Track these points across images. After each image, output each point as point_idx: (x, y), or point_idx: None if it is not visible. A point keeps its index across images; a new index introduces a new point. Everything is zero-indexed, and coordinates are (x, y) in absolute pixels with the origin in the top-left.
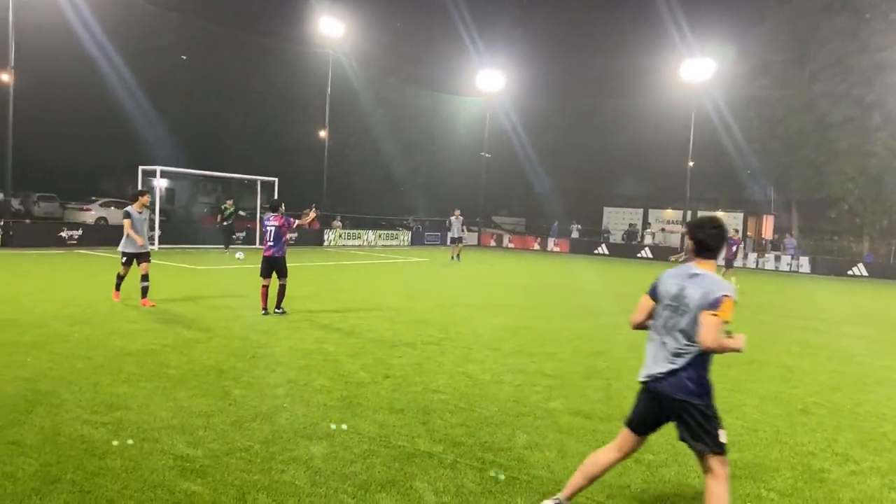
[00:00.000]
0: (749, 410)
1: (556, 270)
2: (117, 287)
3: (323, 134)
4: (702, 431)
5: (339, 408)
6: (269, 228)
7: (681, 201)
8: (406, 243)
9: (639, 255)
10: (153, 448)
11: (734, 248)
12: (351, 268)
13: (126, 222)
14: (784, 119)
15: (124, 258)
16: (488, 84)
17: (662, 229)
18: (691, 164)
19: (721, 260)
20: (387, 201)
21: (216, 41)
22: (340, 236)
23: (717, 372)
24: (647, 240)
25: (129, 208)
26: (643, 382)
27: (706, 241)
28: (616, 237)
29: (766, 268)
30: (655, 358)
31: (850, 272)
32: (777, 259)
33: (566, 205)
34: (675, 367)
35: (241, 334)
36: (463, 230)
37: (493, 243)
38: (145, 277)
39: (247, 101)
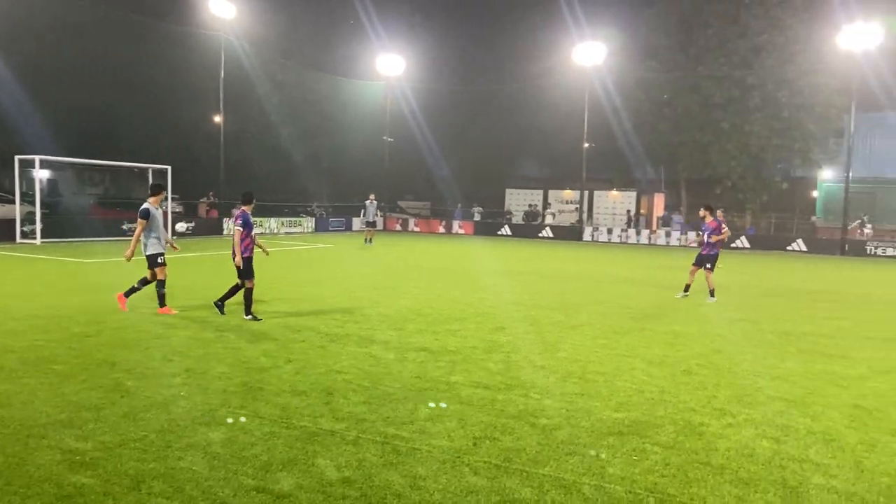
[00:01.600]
0: (637, 373)
1: (460, 252)
2: (163, 301)
3: (218, 119)
4: None
5: (240, 393)
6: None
7: (578, 181)
8: (310, 230)
9: (540, 234)
10: (39, 444)
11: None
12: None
13: (141, 222)
14: (671, 100)
15: (161, 258)
16: (389, 68)
17: (561, 211)
18: (587, 145)
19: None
20: (289, 188)
21: (100, 22)
22: None
23: (610, 338)
24: (548, 220)
25: (145, 204)
26: None
27: None
28: (518, 218)
29: (657, 243)
30: None
31: (733, 245)
32: (668, 235)
33: (469, 187)
34: None
35: (135, 326)
36: (377, 214)
37: (398, 227)
38: (161, 283)
39: (136, 86)
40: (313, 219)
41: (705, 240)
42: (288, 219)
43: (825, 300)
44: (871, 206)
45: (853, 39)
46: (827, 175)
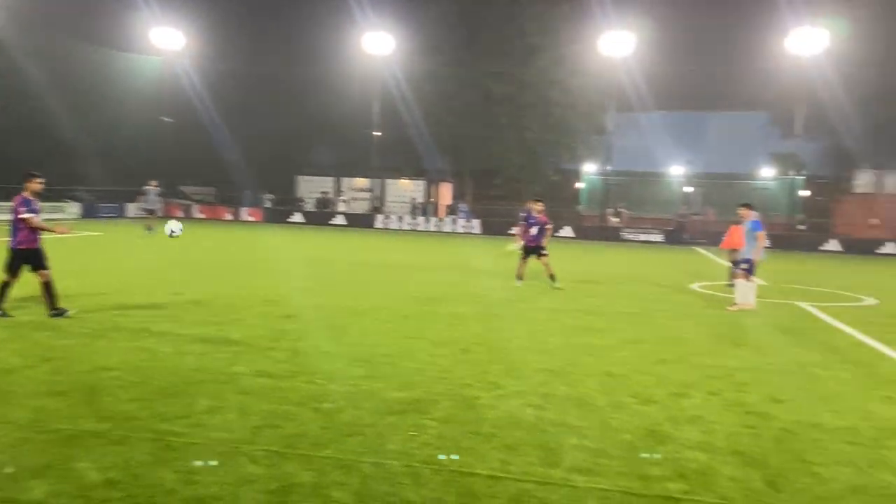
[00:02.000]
0: (421, 354)
1: (248, 240)
2: None
3: None
4: None
5: None
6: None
7: (370, 170)
8: (75, 216)
9: (332, 222)
10: None
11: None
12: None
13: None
14: (456, 94)
15: None
16: (166, 43)
17: (354, 198)
18: (377, 134)
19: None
20: (51, 169)
21: None
22: None
23: (397, 322)
24: (341, 207)
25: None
26: None
27: None
28: (310, 205)
29: (444, 230)
30: None
31: (510, 231)
32: (454, 222)
33: (258, 173)
34: None
35: None
36: (159, 201)
37: (181, 214)
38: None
39: None
40: (80, 204)
41: (533, 232)
42: (49, 203)
43: (588, 280)
44: (627, 196)
45: (612, 46)
46: (590, 168)
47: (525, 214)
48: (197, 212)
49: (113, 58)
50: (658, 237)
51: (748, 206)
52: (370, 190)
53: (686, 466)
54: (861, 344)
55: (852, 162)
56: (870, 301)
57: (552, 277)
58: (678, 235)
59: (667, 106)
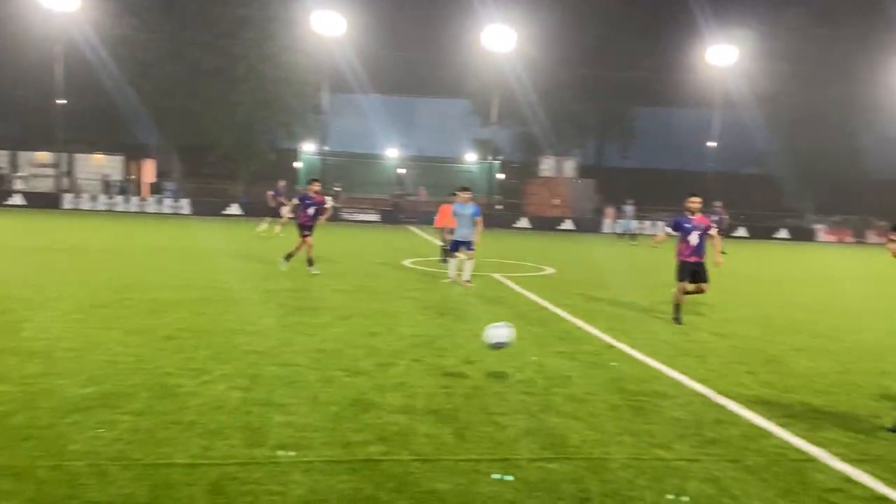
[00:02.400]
0: (113, 345)
1: None
2: None
3: None
4: None
5: None
6: None
7: (54, 143)
8: None
9: (8, 202)
10: None
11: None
12: None
13: None
14: (157, 62)
15: None
16: None
17: (34, 175)
18: (62, 102)
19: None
20: None
21: None
22: None
23: (86, 312)
24: (18, 185)
25: None
26: None
27: None
28: None
29: (148, 211)
30: None
31: (224, 211)
32: (160, 202)
33: None
34: None
35: None
36: None
37: None
38: None
39: None
40: None
41: (310, 212)
42: None
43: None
44: (345, 176)
45: (324, 25)
46: (308, 147)
47: (302, 195)
48: None
49: None
50: (375, 217)
51: (467, 189)
52: (55, 165)
53: (387, 430)
54: (541, 307)
55: (539, 149)
56: (550, 270)
57: (310, 262)
58: (394, 215)
59: (380, 89)
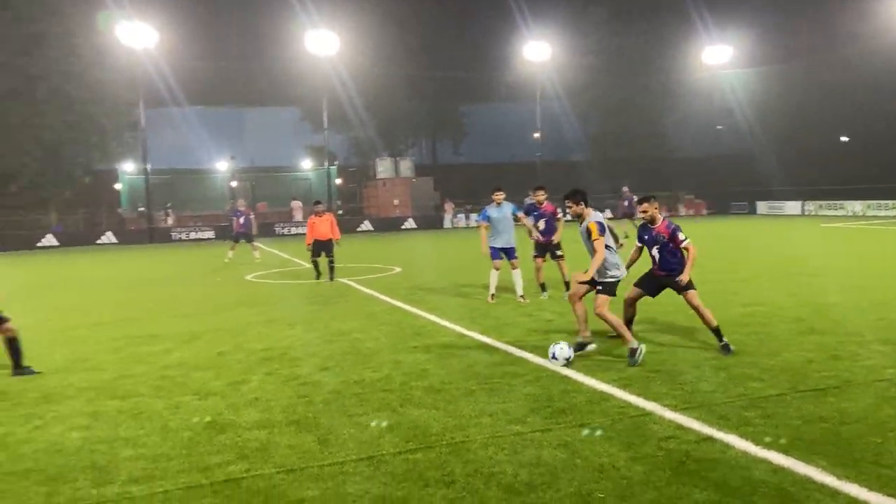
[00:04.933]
0: None
1: None
2: None
3: None
4: None
5: None
6: None
7: None
8: None
9: None
10: None
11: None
12: None
13: None
14: None
15: None
16: None
17: None
18: None
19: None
20: None
21: None
22: None
23: None
24: None
25: None
26: None
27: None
28: None
29: None
30: None
31: (40, 243)
32: None
33: None
34: None
35: None
36: None
37: None
38: None
39: None
40: None
41: (541, 227)
42: None
43: (132, 286)
44: (173, 195)
45: (134, 37)
46: (129, 167)
47: (529, 205)
48: None
49: None
50: (210, 234)
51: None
52: None
53: (247, 447)
54: (392, 307)
55: (374, 151)
56: (396, 270)
57: (567, 286)
58: (230, 231)
59: (202, 101)
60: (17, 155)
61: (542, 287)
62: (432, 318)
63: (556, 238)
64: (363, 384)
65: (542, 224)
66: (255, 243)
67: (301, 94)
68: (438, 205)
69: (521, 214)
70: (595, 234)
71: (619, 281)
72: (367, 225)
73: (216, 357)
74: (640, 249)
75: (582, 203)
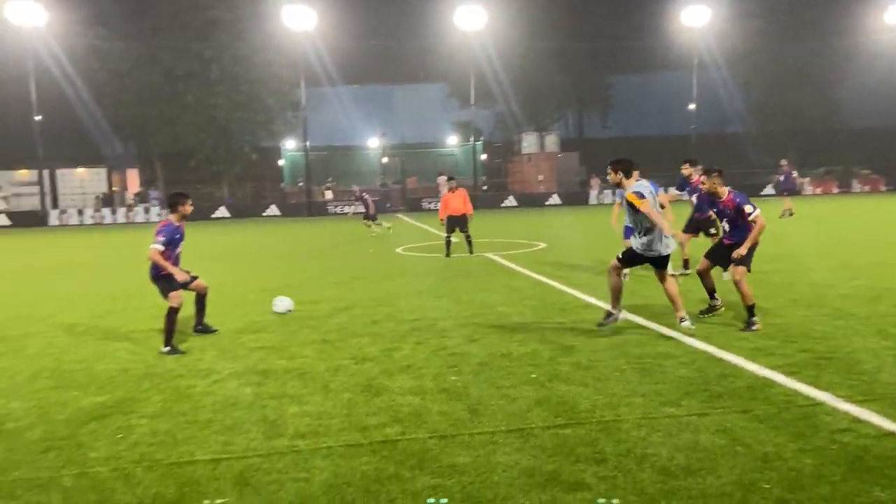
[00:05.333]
0: (121, 353)
1: None
2: None
3: None
4: None
5: None
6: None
7: (35, 160)
8: None
9: None
10: None
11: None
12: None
13: None
14: (130, 72)
15: None
16: None
17: (17, 194)
18: (38, 118)
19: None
20: None
21: None
22: None
23: (91, 322)
24: (2, 205)
25: None
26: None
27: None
28: None
29: (136, 221)
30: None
31: (213, 215)
32: (147, 211)
33: None
34: None
35: None
36: None
37: None
38: None
39: None
40: None
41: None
42: None
43: (296, 257)
44: (329, 170)
45: (297, 20)
46: (290, 144)
47: (680, 181)
48: None
49: None
50: (362, 208)
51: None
52: (37, 183)
53: (401, 411)
54: (536, 282)
55: (519, 126)
56: (541, 245)
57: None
58: (381, 205)
59: (356, 80)
60: (194, 133)
61: (685, 264)
62: (577, 294)
63: (711, 214)
64: (510, 357)
65: (695, 199)
66: (371, 222)
67: (448, 71)
68: (584, 180)
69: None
70: (637, 202)
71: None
72: (511, 201)
73: (371, 325)
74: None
75: (621, 173)
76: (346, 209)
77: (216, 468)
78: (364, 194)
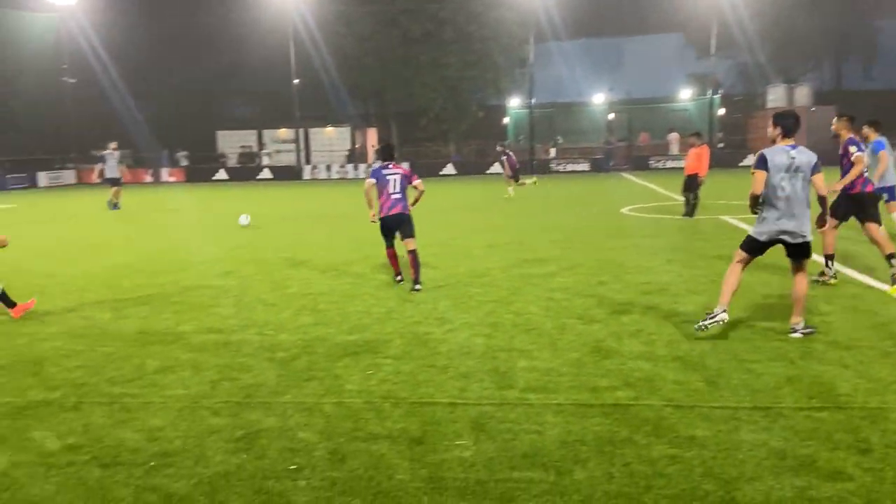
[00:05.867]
0: (366, 298)
1: (173, 200)
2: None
3: None
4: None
5: None
6: (390, 179)
7: (292, 120)
8: None
9: (259, 176)
10: None
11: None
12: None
13: None
14: (372, 35)
15: None
16: None
17: (278, 151)
18: (296, 81)
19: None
20: None
21: None
22: None
23: (339, 269)
24: (265, 161)
25: None
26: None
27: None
28: (233, 161)
29: None
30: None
31: (441, 172)
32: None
33: (174, 131)
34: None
35: None
36: (120, 168)
37: (96, 179)
38: None
39: None
40: None
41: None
42: None
43: (519, 214)
44: (550, 128)
45: None
46: (514, 102)
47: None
48: (96, 177)
49: (4, 17)
50: (585, 166)
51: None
52: (294, 141)
53: (632, 375)
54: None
55: (764, 78)
56: None
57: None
58: (605, 163)
59: (584, 33)
60: (426, 93)
61: None
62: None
63: None
64: (753, 329)
65: None
66: (513, 182)
67: (686, 19)
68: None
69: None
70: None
71: None
72: (750, 159)
73: (596, 285)
74: None
75: (779, 127)
76: (570, 167)
77: (453, 411)
78: (508, 151)
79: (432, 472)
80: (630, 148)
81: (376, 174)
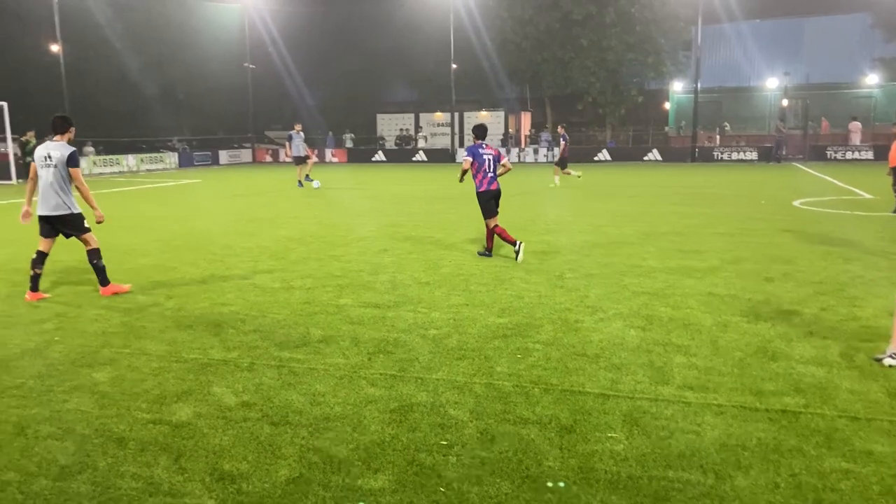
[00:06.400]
0: (517, 282)
1: (336, 180)
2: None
3: (56, 48)
4: None
5: (121, 334)
6: (486, 158)
7: (448, 104)
8: (174, 166)
9: (414, 158)
10: None
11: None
12: (113, 195)
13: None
14: (533, 18)
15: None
16: None
17: (433, 133)
18: (454, 66)
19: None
20: (145, 122)
21: None
22: (95, 163)
23: (485, 261)
24: (421, 143)
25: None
26: None
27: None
28: (391, 143)
29: (526, 161)
30: None
31: (595, 158)
32: (535, 152)
33: (339, 114)
34: None
35: None
36: (306, 149)
37: (269, 159)
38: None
39: None
40: (176, 154)
41: None
42: (148, 155)
43: (678, 203)
44: (716, 114)
45: None
46: (677, 87)
47: None
48: (284, 156)
49: (192, 8)
50: (753, 154)
51: None
52: (448, 124)
53: (802, 381)
54: None
55: None
56: None
57: None
58: (775, 152)
59: (758, 14)
60: (584, 76)
61: None
62: None
63: None
64: None
65: None
66: (560, 170)
67: None
68: None
69: None
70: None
71: None
72: None
73: (763, 282)
74: None
75: None
76: (735, 155)
77: (605, 403)
78: (565, 135)
79: (582, 463)
80: (805, 137)
81: (473, 151)
